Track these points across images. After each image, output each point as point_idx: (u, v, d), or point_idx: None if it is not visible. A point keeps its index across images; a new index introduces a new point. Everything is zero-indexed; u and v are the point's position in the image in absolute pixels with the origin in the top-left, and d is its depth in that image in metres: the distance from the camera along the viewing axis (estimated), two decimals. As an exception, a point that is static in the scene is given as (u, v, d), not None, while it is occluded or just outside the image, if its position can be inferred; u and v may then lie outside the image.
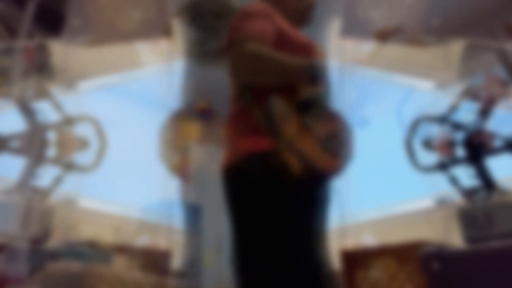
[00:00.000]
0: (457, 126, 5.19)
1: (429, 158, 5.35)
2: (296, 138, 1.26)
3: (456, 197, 5.06)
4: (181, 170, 5.11)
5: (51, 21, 5.01)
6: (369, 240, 5.22)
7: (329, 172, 1.38)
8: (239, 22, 1.38)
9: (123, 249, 4.91)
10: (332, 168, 1.36)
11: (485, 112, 4.92)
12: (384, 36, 4.72)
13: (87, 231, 5.03)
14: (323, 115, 1.33)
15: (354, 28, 5.32)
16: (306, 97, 1.32)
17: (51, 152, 5.31)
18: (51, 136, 5.34)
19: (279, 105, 1.28)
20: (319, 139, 1.29)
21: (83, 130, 5.55)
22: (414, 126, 5.38)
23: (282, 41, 1.40)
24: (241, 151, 1.35)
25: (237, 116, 1.42)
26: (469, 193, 4.95)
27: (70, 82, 5.59)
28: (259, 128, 1.30)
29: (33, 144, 5.09)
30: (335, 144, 1.34)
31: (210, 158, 4.78)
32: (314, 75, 1.33)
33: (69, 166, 5.40)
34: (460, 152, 5.12)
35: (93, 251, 4.74)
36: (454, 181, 5.09)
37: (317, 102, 1.33)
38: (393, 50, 5.20)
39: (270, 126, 1.27)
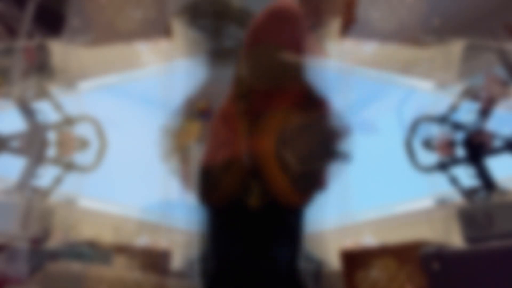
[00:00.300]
0: (457, 126, 5.19)
1: (429, 158, 5.34)
2: (265, 166, 1.22)
3: (456, 197, 5.05)
4: (181, 170, 5.10)
5: (51, 21, 5.01)
6: (369, 240, 5.21)
7: (292, 207, 1.33)
8: (268, 24, 1.36)
9: (123, 249, 4.91)
10: (297, 204, 1.31)
11: (485, 112, 4.92)
12: None
13: (87, 231, 5.02)
14: (307, 152, 1.26)
15: (354, 28, 5.31)
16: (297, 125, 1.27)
17: (51, 152, 5.30)
18: (51, 136, 5.33)
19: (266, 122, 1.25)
20: (292, 175, 1.23)
21: (83, 130, 5.54)
22: (414, 126, 5.37)
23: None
24: (222, 152, 1.33)
25: (229, 114, 1.40)
26: (469, 193, 4.94)
27: (70, 82, 5.58)
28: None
29: (33, 144, 5.09)
30: (308, 184, 1.28)
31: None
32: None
33: (69, 166, 5.40)
34: (460, 152, 5.11)
35: (93, 251, 4.73)
36: (454, 181, 5.09)
37: (307, 137, 1.27)
38: (394, 50, 5.20)
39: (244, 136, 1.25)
